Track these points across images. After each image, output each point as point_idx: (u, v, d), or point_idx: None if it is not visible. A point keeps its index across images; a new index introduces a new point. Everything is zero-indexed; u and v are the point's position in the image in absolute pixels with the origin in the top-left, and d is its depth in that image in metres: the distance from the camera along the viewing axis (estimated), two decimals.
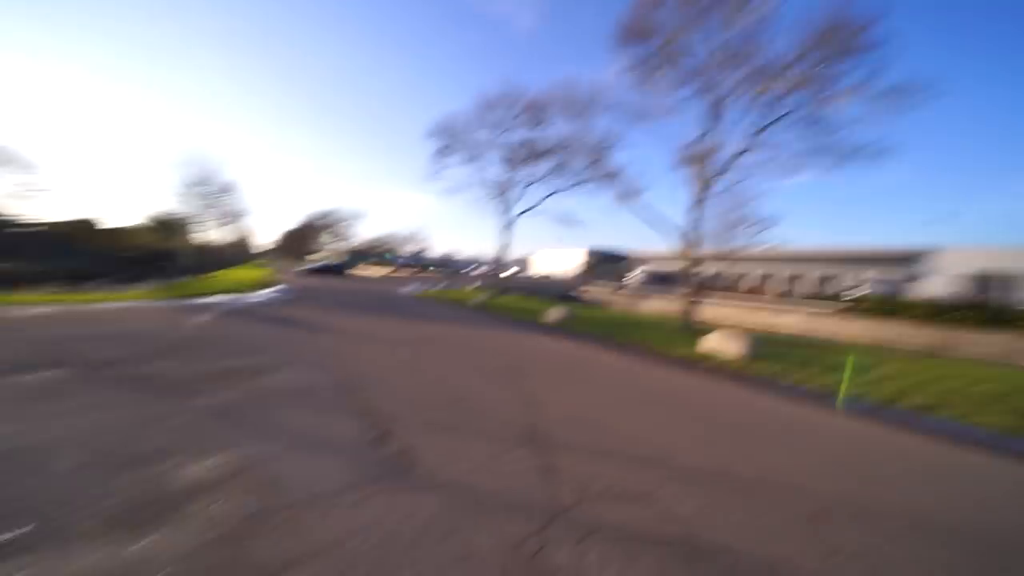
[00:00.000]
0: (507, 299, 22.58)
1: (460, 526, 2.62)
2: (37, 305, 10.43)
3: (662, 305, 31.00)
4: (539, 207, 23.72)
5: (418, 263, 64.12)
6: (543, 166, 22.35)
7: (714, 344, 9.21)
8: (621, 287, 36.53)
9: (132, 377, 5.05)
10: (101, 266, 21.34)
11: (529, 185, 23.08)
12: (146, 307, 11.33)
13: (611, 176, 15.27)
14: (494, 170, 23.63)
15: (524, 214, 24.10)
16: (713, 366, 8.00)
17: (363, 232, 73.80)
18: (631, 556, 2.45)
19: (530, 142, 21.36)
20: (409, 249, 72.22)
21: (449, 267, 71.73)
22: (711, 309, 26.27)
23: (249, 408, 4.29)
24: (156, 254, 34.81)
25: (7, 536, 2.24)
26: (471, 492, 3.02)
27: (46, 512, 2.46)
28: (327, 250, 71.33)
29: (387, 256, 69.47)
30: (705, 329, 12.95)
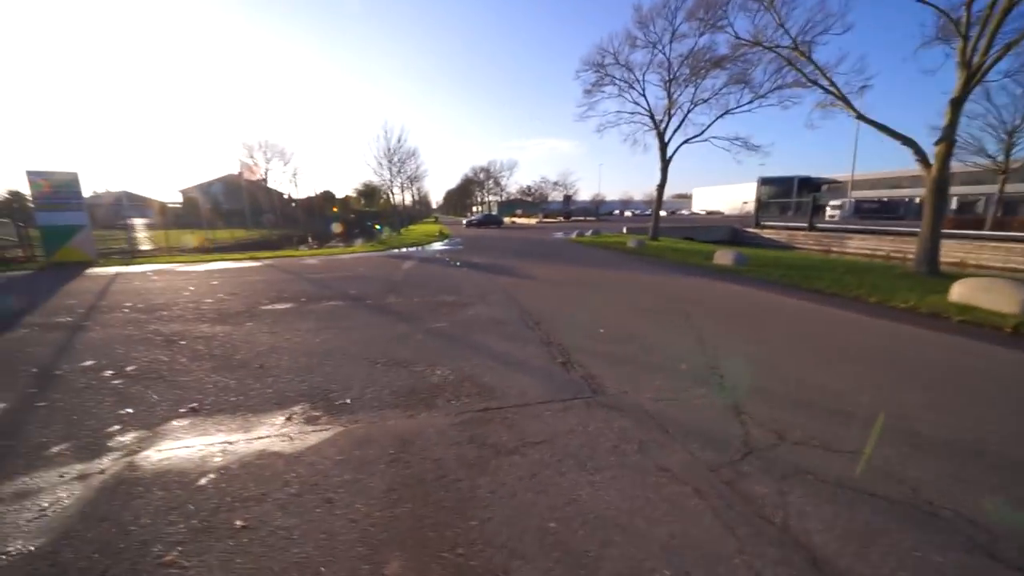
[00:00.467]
0: (665, 241, 21.04)
1: (654, 442, 2.83)
2: (305, 257, 14.49)
3: (873, 244, 24.31)
4: (706, 133, 20.57)
5: (567, 210, 64.20)
6: (713, 81, 19.01)
7: (968, 293, 6.90)
8: (811, 224, 29.69)
9: (378, 307, 6.73)
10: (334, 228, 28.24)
11: (693, 108, 20.01)
12: (369, 256, 14.58)
13: (815, 77, 11.71)
14: (652, 96, 21.21)
15: (686, 143, 21.32)
16: (968, 321, 6.03)
17: (515, 183, 77.06)
18: (845, 505, 2.27)
19: (698, 53, 18.13)
20: (558, 196, 72.64)
21: (599, 211, 69.83)
22: (965, 248, 19.35)
23: (459, 332, 5.29)
24: (365, 216, 43.78)
25: (340, 402, 3.41)
26: (659, 417, 3.18)
27: (357, 391, 3.63)
28: (484, 203, 77.47)
29: (537, 205, 71.48)
30: (952, 275, 9.72)
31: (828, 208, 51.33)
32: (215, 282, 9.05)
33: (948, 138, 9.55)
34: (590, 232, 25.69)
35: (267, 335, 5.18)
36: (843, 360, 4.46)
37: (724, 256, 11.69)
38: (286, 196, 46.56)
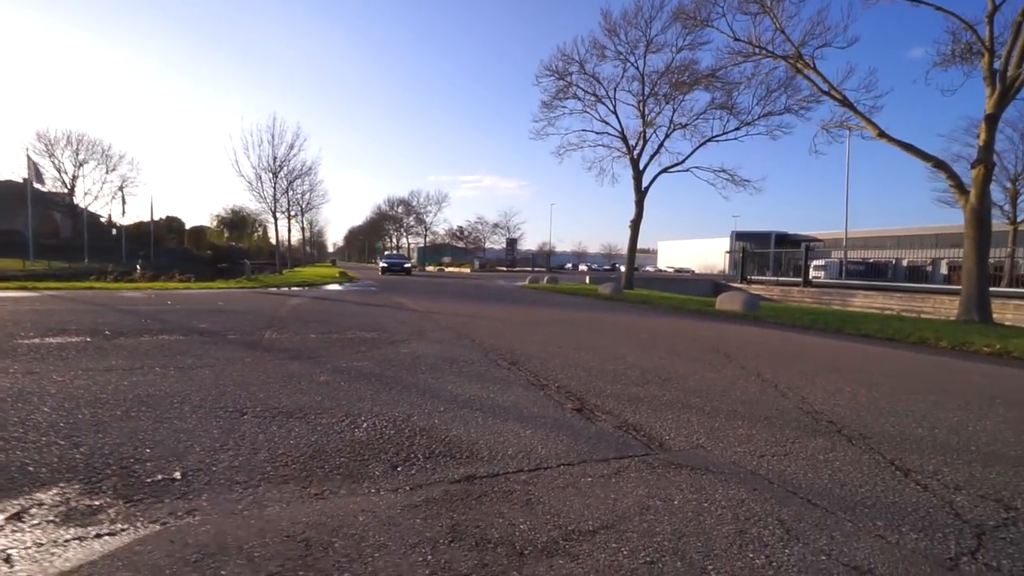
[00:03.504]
0: (641, 291, 21.44)
1: (805, 521, 1.93)
2: (125, 290, 12.36)
3: (880, 302, 26.78)
4: (687, 162, 22.17)
5: (511, 258, 65.37)
6: (693, 103, 20.89)
7: None
8: (806, 280, 32.60)
9: (249, 342, 5.43)
10: (184, 263, 25.35)
11: (672, 131, 21.63)
12: (233, 292, 12.80)
13: (826, 89, 12.71)
14: (624, 115, 22.61)
15: (665, 173, 22.75)
16: None
17: (443, 222, 77.01)
18: None
19: (677, 68, 19.93)
20: (498, 242, 74.12)
21: (550, 262, 71.97)
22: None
23: (393, 372, 4.28)
24: (228, 252, 40.68)
25: (157, 478, 2.13)
26: (781, 480, 2.32)
27: (199, 457, 2.37)
28: (397, 247, 76.55)
29: (471, 251, 72.12)
30: (1007, 325, 10.34)
31: (811, 268, 57.52)
32: None
33: (986, 160, 10.67)
34: (545, 279, 25.68)
35: (16, 377, 3.65)
36: (994, 406, 3.97)
37: (731, 300, 11.77)
38: (104, 219, 41.84)
